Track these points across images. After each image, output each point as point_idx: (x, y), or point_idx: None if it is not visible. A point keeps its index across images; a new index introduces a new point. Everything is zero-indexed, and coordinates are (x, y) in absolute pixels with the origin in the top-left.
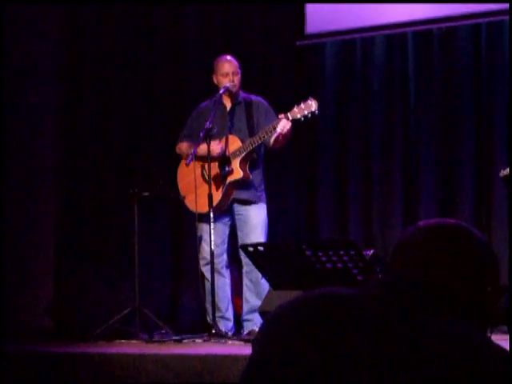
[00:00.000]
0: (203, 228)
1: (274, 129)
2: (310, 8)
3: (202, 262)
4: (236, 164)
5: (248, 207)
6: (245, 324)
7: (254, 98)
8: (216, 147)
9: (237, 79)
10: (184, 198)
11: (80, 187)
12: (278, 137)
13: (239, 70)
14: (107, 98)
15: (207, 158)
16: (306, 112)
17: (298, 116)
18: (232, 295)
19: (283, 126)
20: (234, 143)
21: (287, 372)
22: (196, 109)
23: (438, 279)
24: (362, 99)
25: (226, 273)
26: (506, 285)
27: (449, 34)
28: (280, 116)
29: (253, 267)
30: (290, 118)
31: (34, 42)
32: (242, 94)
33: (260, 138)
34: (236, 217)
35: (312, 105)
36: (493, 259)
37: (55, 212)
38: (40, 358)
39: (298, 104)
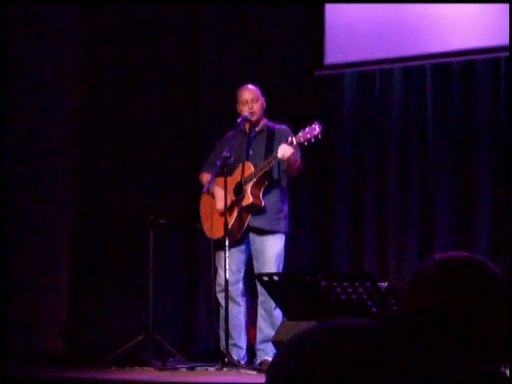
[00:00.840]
0: (219, 255)
1: (276, 157)
2: (329, 38)
3: (217, 289)
4: (247, 189)
5: (264, 237)
6: (258, 353)
7: (278, 126)
8: (219, 202)
9: (256, 106)
10: (201, 226)
11: (96, 213)
12: (287, 164)
13: (260, 98)
14: (125, 124)
15: (224, 185)
16: (309, 136)
17: (302, 140)
18: (247, 324)
19: (283, 151)
20: (248, 169)
21: None
22: (221, 139)
23: (453, 313)
24: (379, 131)
25: (242, 301)
26: None
27: (468, 68)
28: (283, 143)
29: (267, 297)
30: (294, 143)
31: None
32: (268, 123)
33: (268, 164)
34: (252, 247)
35: (315, 129)
36: (508, 293)
37: (71, 236)
38: (51, 382)
39: (304, 128)
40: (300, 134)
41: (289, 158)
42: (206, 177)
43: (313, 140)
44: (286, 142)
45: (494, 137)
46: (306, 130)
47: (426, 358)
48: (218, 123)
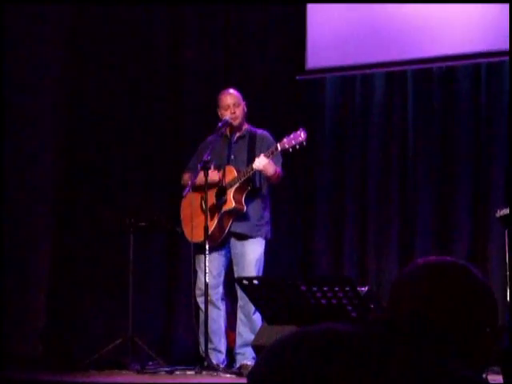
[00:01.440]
0: (200, 258)
1: (252, 168)
2: (311, 43)
3: (197, 293)
4: (230, 194)
5: (244, 242)
6: (237, 358)
7: (259, 131)
8: (213, 174)
9: (238, 111)
10: (181, 229)
11: (76, 216)
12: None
13: (241, 102)
14: (105, 126)
15: (205, 189)
16: (293, 142)
17: (287, 146)
18: (226, 328)
19: (258, 162)
20: (231, 174)
21: None
22: (203, 142)
23: (436, 318)
24: (360, 135)
25: (222, 305)
26: (504, 325)
27: (448, 74)
28: (261, 154)
29: (247, 301)
30: (279, 149)
31: (35, 48)
32: (249, 128)
33: (247, 173)
34: (232, 251)
35: (301, 135)
36: (491, 299)
37: (50, 239)
38: None
39: (288, 135)
40: (285, 140)
41: (265, 170)
42: (187, 179)
43: (297, 147)
44: (267, 148)
45: (474, 142)
46: (291, 136)
47: (409, 364)
48: (199, 127)
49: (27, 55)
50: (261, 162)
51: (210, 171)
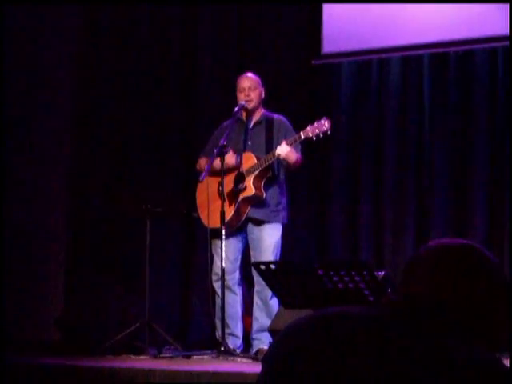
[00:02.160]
0: (216, 243)
1: (274, 155)
2: (327, 28)
3: (213, 278)
4: (250, 181)
5: (262, 227)
6: (253, 343)
7: (276, 116)
8: (231, 158)
9: (254, 94)
10: (197, 215)
11: (92, 202)
12: (283, 161)
13: (258, 86)
14: (120, 114)
15: (221, 174)
16: (317, 131)
17: (310, 135)
18: (242, 313)
19: (281, 150)
20: (250, 160)
21: None
22: (218, 127)
23: (448, 300)
24: (376, 120)
25: (238, 290)
26: None
27: (465, 58)
28: (284, 141)
29: (263, 286)
30: (302, 137)
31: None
32: (265, 113)
33: (269, 159)
34: (249, 236)
35: (325, 124)
36: (504, 281)
37: (66, 226)
38: (47, 370)
39: (312, 123)
40: (308, 128)
41: (287, 157)
42: (202, 163)
43: (321, 135)
44: (285, 133)
45: (491, 126)
46: (315, 124)
47: (423, 346)
48: (214, 112)
49: (42, 45)
50: (283, 150)
51: (227, 155)
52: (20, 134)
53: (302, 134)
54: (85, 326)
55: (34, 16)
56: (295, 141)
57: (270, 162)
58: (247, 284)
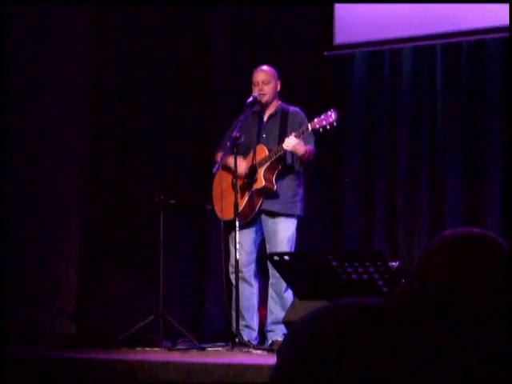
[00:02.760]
0: (232, 236)
1: (282, 148)
2: (339, 19)
3: (230, 270)
4: (260, 173)
5: (277, 220)
6: (268, 335)
7: (291, 108)
8: (241, 167)
9: (268, 88)
10: (211, 207)
11: (106, 195)
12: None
13: (272, 79)
14: (134, 106)
15: (235, 166)
16: (324, 123)
17: (317, 126)
18: (258, 305)
19: (288, 143)
20: (262, 152)
21: (312, 381)
22: (235, 120)
23: (464, 290)
24: (388, 110)
25: (254, 282)
26: None
27: (478, 47)
28: (291, 134)
29: (278, 279)
30: (310, 129)
31: (60, 50)
32: (281, 105)
33: (277, 152)
34: (265, 229)
35: (331, 116)
36: None
37: (80, 218)
38: (62, 363)
39: (319, 115)
40: (315, 120)
41: (295, 150)
42: (218, 157)
43: (328, 127)
44: (299, 125)
45: (504, 116)
46: (322, 116)
47: (439, 335)
48: (228, 104)
49: (53, 45)
50: (290, 143)
51: (239, 160)
52: (34, 121)
53: (309, 125)
54: (99, 319)
55: (42, 16)
56: (303, 133)
57: (280, 153)
58: (262, 276)
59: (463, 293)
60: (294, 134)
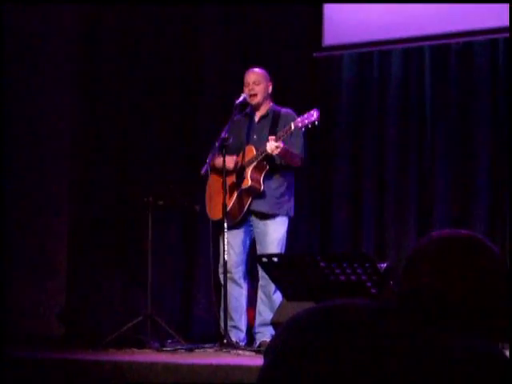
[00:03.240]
0: (221, 236)
1: (265, 150)
2: (328, 20)
3: (220, 270)
4: (248, 173)
5: (267, 221)
6: (256, 336)
7: (283, 110)
8: (230, 162)
9: (258, 89)
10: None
11: (94, 195)
12: (280, 157)
13: (263, 80)
14: (123, 106)
15: (223, 167)
16: (306, 121)
17: (300, 125)
18: (247, 306)
19: (269, 146)
20: (250, 152)
21: (299, 382)
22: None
23: (451, 291)
24: (377, 111)
25: (244, 283)
26: None
27: (466, 49)
28: (270, 137)
29: (268, 281)
30: (293, 128)
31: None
32: (273, 106)
33: (260, 154)
34: (255, 230)
35: (313, 115)
36: (506, 272)
37: (69, 219)
38: (50, 364)
39: (302, 114)
40: (298, 119)
41: (278, 153)
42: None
43: (310, 126)
44: (290, 127)
45: (492, 118)
46: (305, 115)
47: (425, 338)
48: (217, 106)
49: (43, 46)
50: (270, 146)
51: (227, 158)
52: (21, 126)
53: (292, 125)
54: (87, 319)
55: (34, 16)
56: (286, 133)
57: (265, 154)
58: (252, 278)
59: (450, 294)
60: (274, 136)
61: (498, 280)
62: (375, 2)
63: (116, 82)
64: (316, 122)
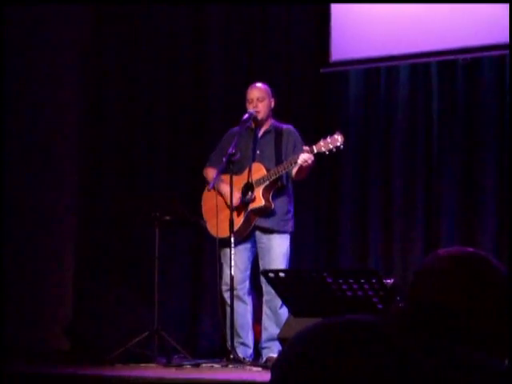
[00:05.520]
0: (226, 253)
1: (296, 162)
2: (335, 35)
3: (223, 288)
4: (259, 192)
5: (271, 236)
6: (263, 351)
7: (285, 126)
8: (235, 197)
9: (262, 105)
10: (205, 222)
11: (101, 210)
12: (299, 169)
13: (266, 97)
14: (130, 121)
15: (230, 183)
16: (331, 146)
17: (323, 150)
18: (252, 322)
19: (304, 159)
20: (259, 171)
21: None
22: (226, 133)
23: (457, 308)
24: (384, 127)
25: (249, 299)
26: None
27: (473, 65)
28: (305, 148)
29: (273, 296)
30: (315, 151)
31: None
32: (274, 123)
33: (284, 169)
34: (258, 245)
35: (338, 139)
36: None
37: (76, 233)
38: (56, 379)
39: (325, 137)
40: (321, 143)
41: (308, 166)
42: (210, 172)
43: (334, 150)
44: (295, 143)
45: (499, 134)
46: (328, 139)
47: (431, 354)
48: (223, 120)
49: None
50: (307, 160)
51: (220, 184)
52: (26, 136)
53: (314, 148)
54: (94, 334)
55: (39, 16)
56: (312, 152)
57: (282, 173)
58: (256, 293)
59: (456, 311)
60: (306, 148)
61: (504, 297)
62: (378, 2)
63: (122, 94)
64: (341, 147)
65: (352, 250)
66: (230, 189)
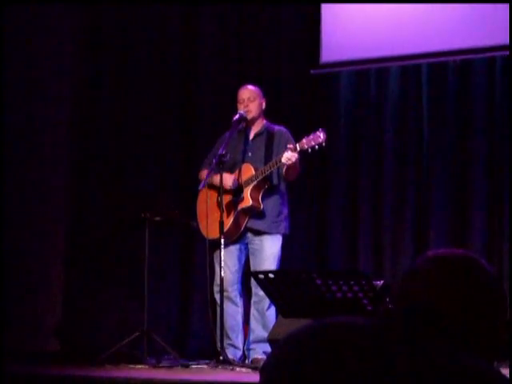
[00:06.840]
0: (217, 254)
1: (280, 161)
2: (326, 37)
3: (215, 289)
4: (247, 192)
5: (263, 237)
6: (249, 353)
7: (277, 127)
8: (228, 180)
9: (253, 105)
10: (196, 224)
11: (91, 211)
12: (287, 168)
13: (257, 97)
14: (119, 121)
15: (220, 184)
16: (313, 143)
17: (306, 147)
18: (243, 323)
19: (287, 157)
20: (248, 171)
21: None
22: (220, 137)
23: (446, 310)
24: (375, 129)
25: (240, 301)
26: None
27: (463, 67)
28: (288, 146)
29: (261, 297)
30: (298, 149)
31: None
32: (266, 124)
33: (270, 168)
34: (250, 246)
35: (320, 136)
36: (501, 291)
37: (65, 234)
38: (46, 380)
39: (308, 135)
40: (304, 140)
41: (293, 164)
42: (204, 174)
43: (317, 147)
44: (286, 145)
45: (489, 135)
46: (311, 136)
47: (420, 356)
48: (213, 121)
49: (41, 46)
50: (290, 158)
51: (224, 175)
52: (19, 136)
53: (297, 145)
54: (83, 335)
55: (33, 17)
56: (295, 150)
57: (268, 172)
58: (248, 295)
59: (445, 313)
60: (289, 148)
61: (493, 299)
62: (369, 2)
63: (112, 96)
64: (323, 144)
65: (342, 251)
66: (220, 191)
